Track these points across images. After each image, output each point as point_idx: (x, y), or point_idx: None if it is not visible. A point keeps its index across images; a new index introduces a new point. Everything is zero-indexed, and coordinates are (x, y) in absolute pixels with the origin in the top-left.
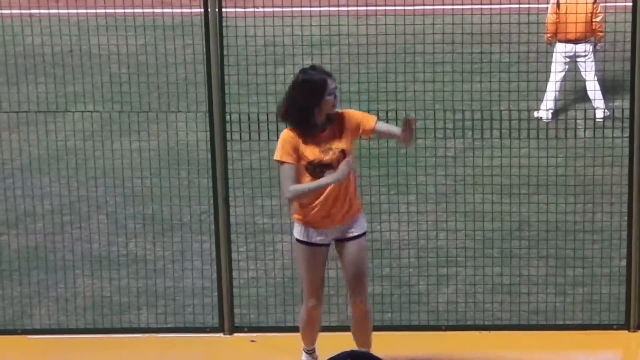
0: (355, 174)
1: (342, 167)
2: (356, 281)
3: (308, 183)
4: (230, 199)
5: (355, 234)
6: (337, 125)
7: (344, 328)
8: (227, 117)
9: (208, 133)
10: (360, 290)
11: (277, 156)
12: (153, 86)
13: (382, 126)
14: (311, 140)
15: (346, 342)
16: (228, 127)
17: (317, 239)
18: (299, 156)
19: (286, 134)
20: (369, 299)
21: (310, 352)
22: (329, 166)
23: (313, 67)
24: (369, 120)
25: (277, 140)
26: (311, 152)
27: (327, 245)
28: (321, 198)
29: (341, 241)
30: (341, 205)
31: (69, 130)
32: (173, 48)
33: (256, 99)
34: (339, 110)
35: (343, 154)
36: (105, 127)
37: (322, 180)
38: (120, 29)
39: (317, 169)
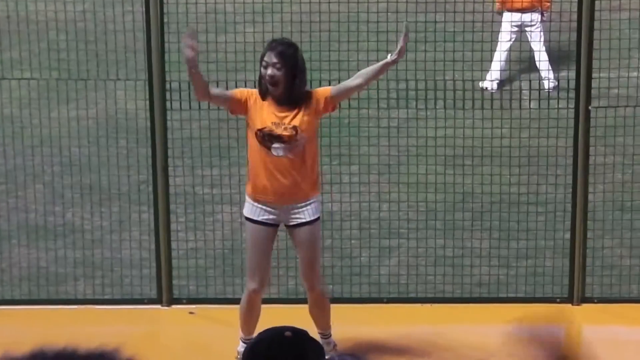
0: (315, 152)
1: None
2: (308, 269)
3: None
4: (169, 168)
5: (306, 219)
6: (302, 103)
7: (284, 301)
8: (167, 86)
9: (147, 102)
10: (311, 277)
11: None
12: (92, 53)
13: (339, 87)
14: (267, 108)
15: (286, 315)
16: (168, 96)
17: (264, 217)
18: (246, 110)
19: (253, 89)
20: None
21: (247, 342)
22: (279, 139)
23: (282, 39)
24: (325, 90)
25: (217, 110)
26: (262, 120)
27: (276, 226)
28: (264, 167)
29: (292, 227)
30: (289, 181)
31: (5, 98)
32: (113, 15)
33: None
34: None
35: (295, 130)
36: (43, 94)
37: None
38: None
39: (267, 137)
